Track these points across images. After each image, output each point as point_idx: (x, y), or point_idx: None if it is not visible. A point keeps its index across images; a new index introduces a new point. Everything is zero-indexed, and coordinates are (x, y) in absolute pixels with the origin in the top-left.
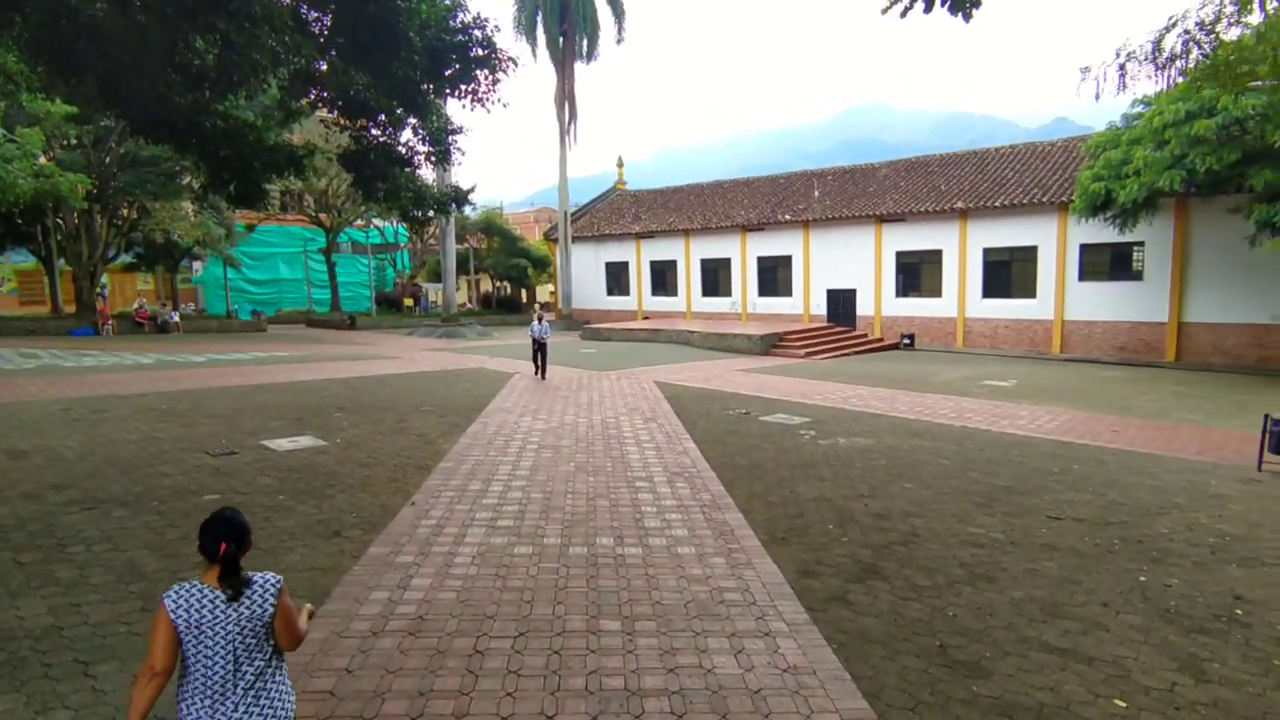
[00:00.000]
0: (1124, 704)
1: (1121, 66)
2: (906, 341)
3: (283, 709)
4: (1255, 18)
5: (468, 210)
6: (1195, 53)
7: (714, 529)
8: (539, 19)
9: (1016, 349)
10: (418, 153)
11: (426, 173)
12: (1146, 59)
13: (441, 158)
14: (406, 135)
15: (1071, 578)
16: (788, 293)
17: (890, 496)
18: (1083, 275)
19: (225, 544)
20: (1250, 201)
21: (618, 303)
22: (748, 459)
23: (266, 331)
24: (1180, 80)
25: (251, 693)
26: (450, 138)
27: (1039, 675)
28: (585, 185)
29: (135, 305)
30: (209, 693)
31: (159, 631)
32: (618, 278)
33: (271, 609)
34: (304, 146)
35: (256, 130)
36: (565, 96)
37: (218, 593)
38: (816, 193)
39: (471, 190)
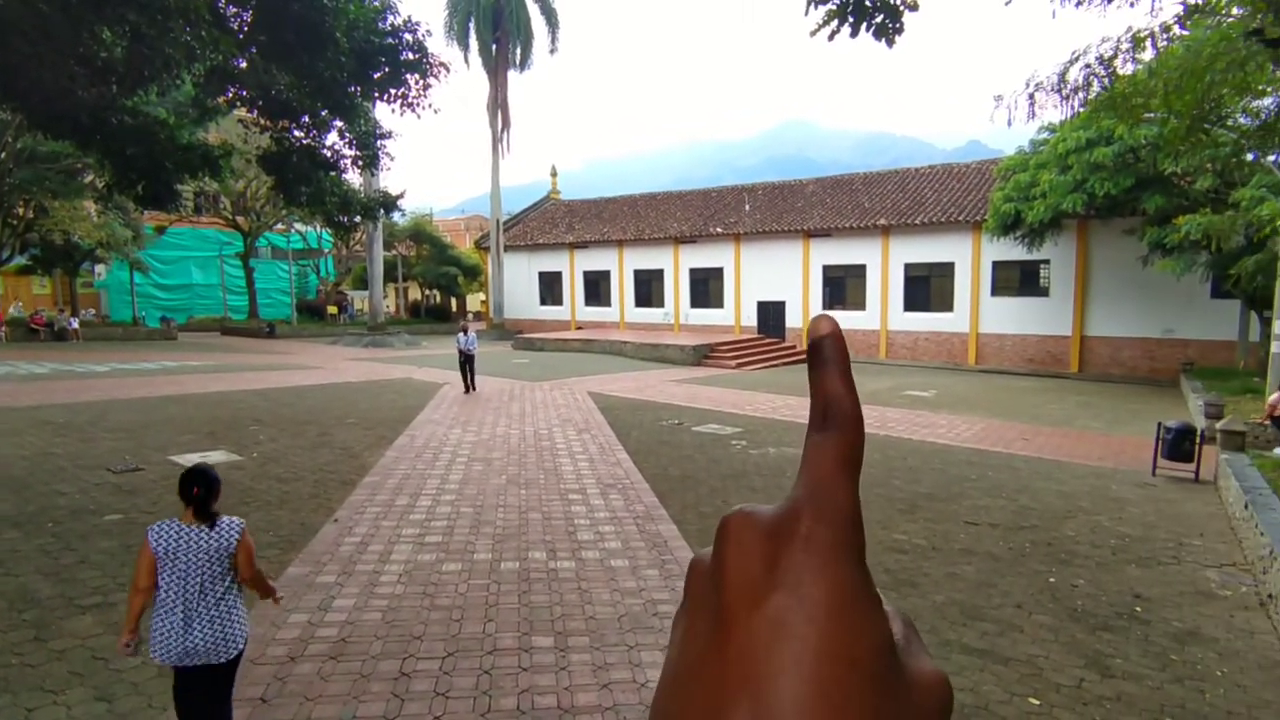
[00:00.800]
0: (1037, 701)
1: (1031, 95)
2: None
3: (239, 627)
4: (1148, 55)
5: (396, 216)
6: (1095, 85)
7: (648, 541)
8: (471, 25)
9: (935, 360)
10: (344, 156)
11: (353, 177)
12: (1053, 89)
13: (369, 162)
14: (332, 138)
15: (988, 581)
16: (719, 304)
17: None
18: (995, 291)
19: (197, 488)
20: (1143, 224)
21: (551, 312)
22: (681, 469)
23: (177, 340)
24: (1082, 110)
25: (215, 609)
26: (379, 142)
27: (960, 677)
28: (518, 194)
29: (17, 309)
30: (182, 606)
31: (142, 558)
32: (551, 287)
33: (235, 543)
34: (220, 146)
35: (168, 128)
36: (498, 104)
37: (190, 527)
38: (747, 207)
39: (401, 196)
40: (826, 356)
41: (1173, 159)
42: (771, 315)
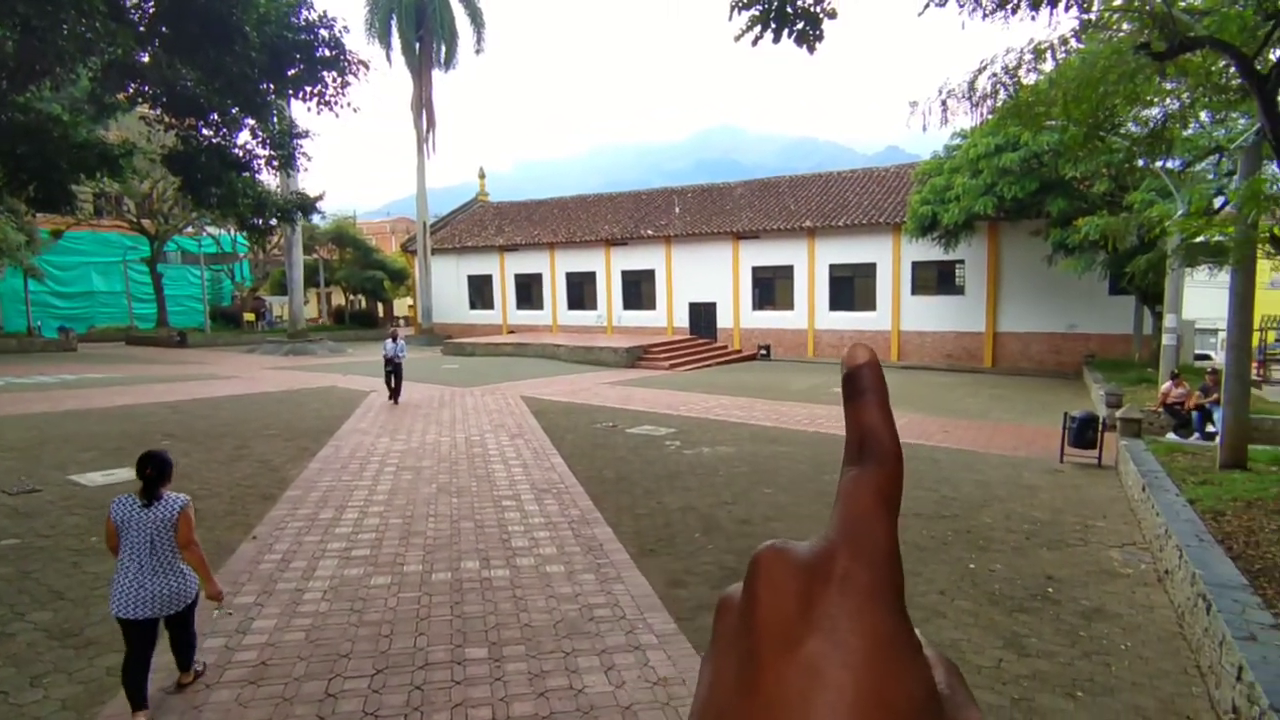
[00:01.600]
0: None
1: (944, 103)
2: (763, 352)
3: (184, 583)
4: (1049, 66)
5: (316, 219)
6: (1002, 93)
7: (583, 545)
8: (393, 23)
9: None
10: (257, 156)
11: (269, 178)
12: (963, 97)
13: (285, 162)
14: (244, 137)
15: (914, 570)
16: (652, 306)
17: (752, 502)
18: (915, 290)
19: (149, 469)
20: (1047, 226)
21: (481, 316)
22: (615, 472)
23: (77, 351)
24: (990, 117)
25: (163, 566)
26: (295, 141)
27: None
28: (446, 196)
29: None
30: (137, 563)
31: (108, 525)
32: (481, 291)
33: (175, 514)
34: (121, 145)
35: (63, 125)
36: (423, 104)
37: (138, 500)
38: (677, 209)
39: (319, 198)
40: (864, 386)
41: (1072, 164)
42: (703, 316)
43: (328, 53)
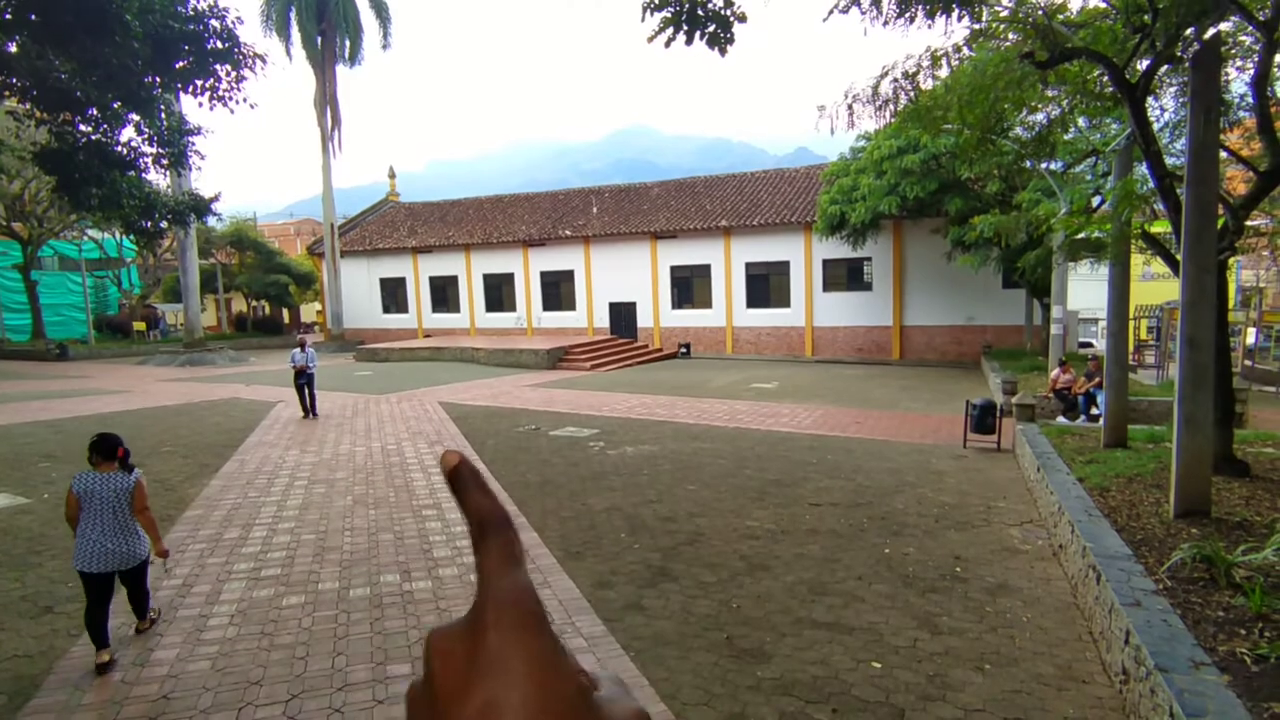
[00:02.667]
0: (879, 665)
1: (849, 106)
2: (684, 350)
3: (137, 543)
4: (944, 72)
5: (213, 221)
6: (903, 98)
7: None
8: (292, 15)
9: (777, 353)
10: (143, 154)
11: (158, 177)
12: (868, 101)
13: (175, 161)
14: (128, 134)
15: (832, 557)
16: (572, 307)
17: (676, 500)
18: (826, 287)
19: (93, 455)
20: (946, 224)
21: (395, 321)
22: (539, 475)
23: None
24: (893, 120)
25: (120, 529)
26: (186, 139)
27: (811, 651)
28: (354, 196)
29: None
30: (100, 527)
31: (69, 497)
32: (394, 294)
33: (130, 487)
34: None
35: None
36: (326, 100)
37: (99, 474)
38: (595, 209)
39: (215, 198)
40: (465, 482)
41: (968, 165)
42: (623, 316)
43: (220, 45)
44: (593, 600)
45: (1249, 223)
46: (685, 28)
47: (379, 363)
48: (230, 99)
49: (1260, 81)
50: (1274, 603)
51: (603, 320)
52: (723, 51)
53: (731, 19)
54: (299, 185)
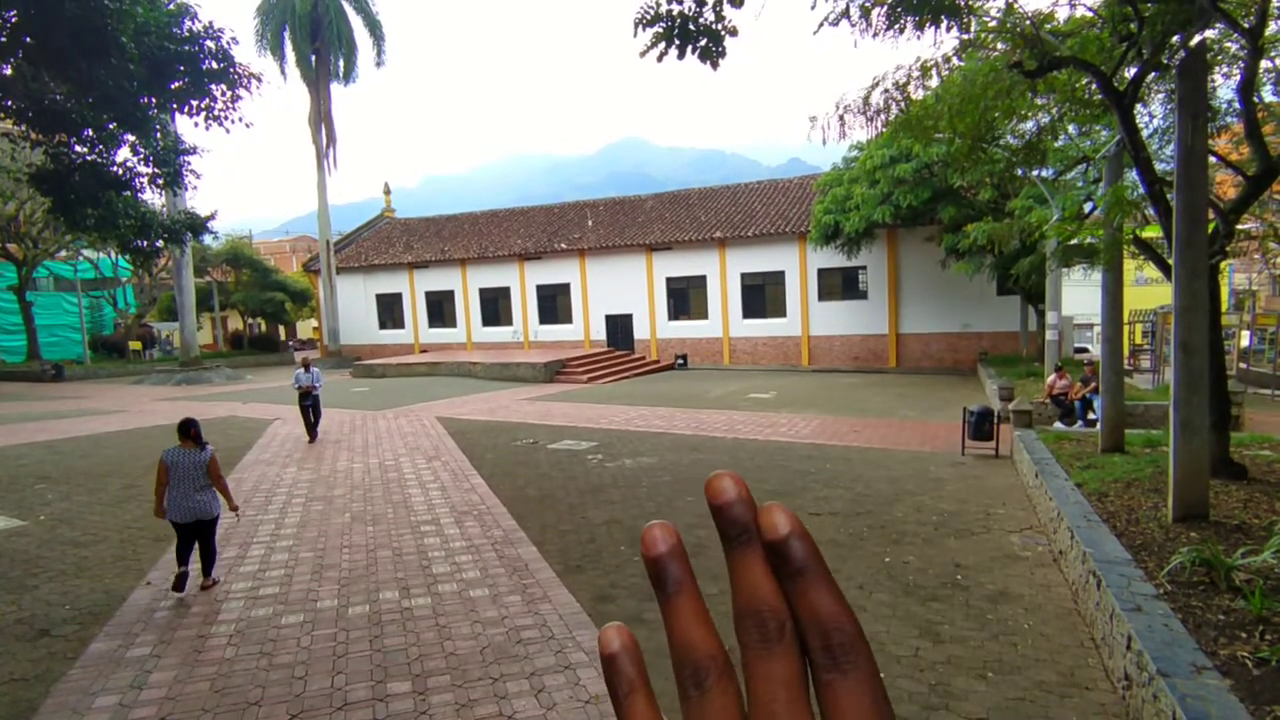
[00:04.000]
0: (882, 675)
1: (841, 116)
2: (680, 362)
3: (211, 502)
4: (934, 82)
5: (209, 239)
6: (894, 108)
7: (507, 566)
8: (286, 35)
9: (773, 363)
10: (139, 174)
11: (153, 197)
12: (859, 111)
13: (171, 180)
14: (124, 154)
15: (833, 567)
16: (568, 319)
17: (676, 511)
18: (821, 296)
19: (192, 429)
20: (940, 232)
21: (392, 336)
22: (538, 489)
23: None
24: (884, 130)
25: (199, 493)
26: (181, 158)
27: None
28: (350, 212)
29: None
30: (182, 489)
31: (159, 466)
32: (390, 310)
33: (206, 460)
34: None
35: None
36: (321, 118)
37: (184, 450)
38: (590, 222)
39: (211, 217)
40: (802, 564)
41: (960, 174)
42: (620, 328)
43: (215, 65)
44: (593, 614)
45: (1240, 226)
46: (677, 42)
47: (376, 378)
48: (226, 118)
49: (1246, 87)
50: (1274, 605)
51: (599, 333)
52: (714, 65)
53: (722, 33)
54: (295, 202)
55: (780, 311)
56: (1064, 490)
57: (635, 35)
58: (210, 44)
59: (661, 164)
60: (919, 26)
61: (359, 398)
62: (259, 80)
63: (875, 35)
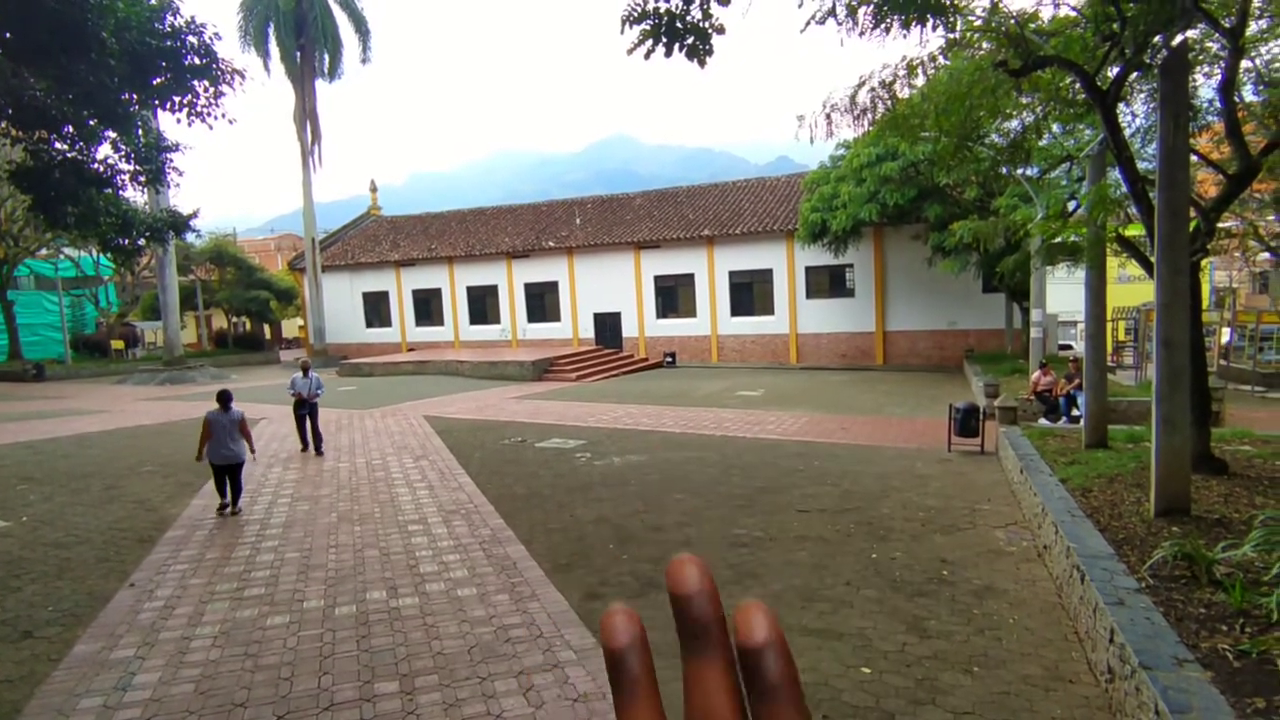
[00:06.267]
0: (869, 670)
1: (828, 115)
2: (669, 359)
3: (241, 449)
4: (920, 81)
5: (192, 237)
6: (880, 107)
7: (495, 565)
8: (270, 31)
9: (762, 361)
10: (120, 171)
11: (135, 194)
12: (845, 110)
13: (153, 178)
14: (105, 151)
15: (821, 563)
16: (556, 318)
17: (664, 509)
18: (809, 294)
19: (220, 400)
20: (926, 230)
21: (379, 335)
22: (526, 488)
23: None
24: (871, 129)
25: (233, 442)
26: (163, 155)
27: (802, 658)
28: (336, 210)
29: None
30: (220, 440)
31: (204, 423)
32: (377, 308)
33: (240, 418)
34: None
35: None
36: (306, 115)
37: (220, 412)
38: (578, 220)
39: (194, 215)
40: (775, 682)
41: (945, 172)
42: (608, 326)
43: (197, 61)
44: (582, 613)
45: (1221, 225)
46: (664, 40)
47: (363, 377)
48: (209, 115)
49: (1227, 87)
50: (1254, 598)
51: (588, 331)
52: (701, 63)
53: (710, 31)
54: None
55: (768, 309)
56: (1048, 486)
57: (622, 32)
58: (192, 39)
59: (649, 162)
60: (905, 25)
61: (345, 397)
62: (242, 76)
63: (862, 34)
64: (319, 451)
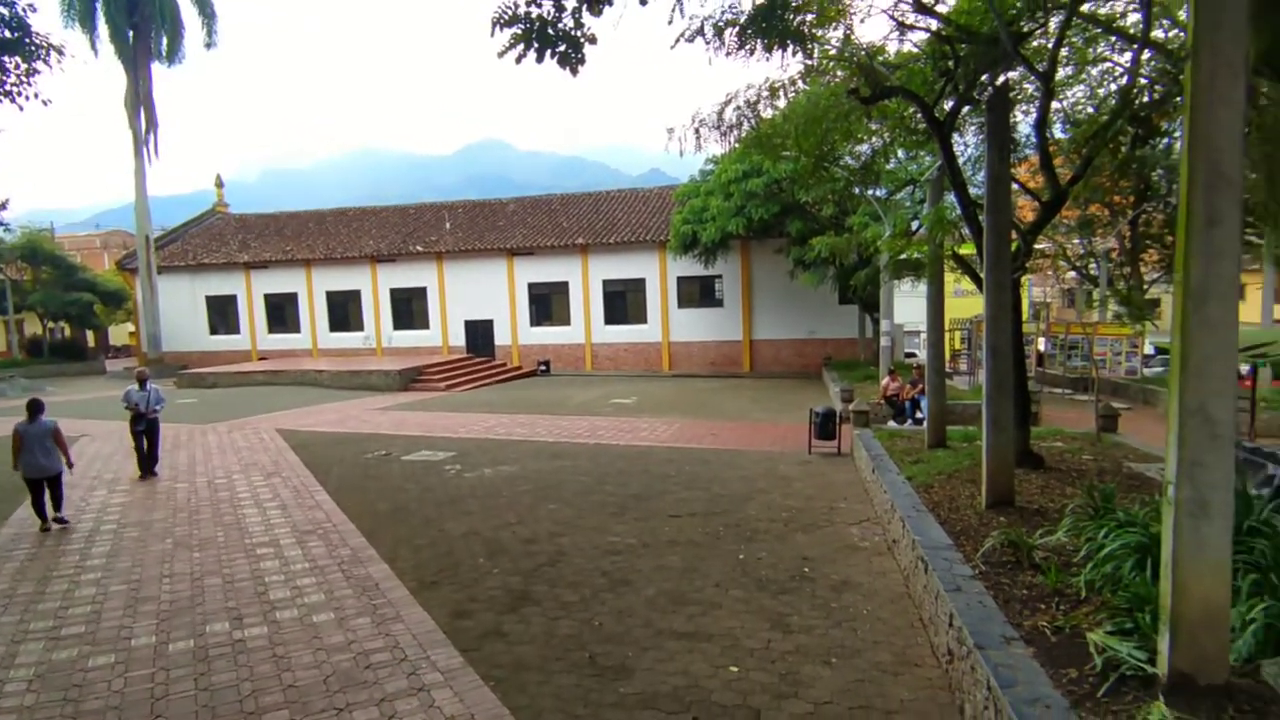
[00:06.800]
0: (736, 669)
1: (696, 130)
2: (543, 368)
3: (56, 461)
4: (782, 102)
5: (0, 231)
6: (745, 125)
7: (355, 586)
8: (98, 6)
9: (635, 369)
10: None
11: None
12: (714, 126)
13: None
14: None
15: (692, 566)
16: (425, 325)
17: (537, 520)
18: (681, 303)
19: (29, 410)
20: (788, 244)
21: (225, 342)
22: (390, 503)
23: None
24: (737, 145)
25: (45, 453)
26: None
27: (673, 662)
28: (175, 205)
29: None
30: (33, 452)
31: (14, 435)
32: (223, 313)
33: (50, 428)
34: None
35: None
36: (140, 100)
37: (31, 423)
38: (448, 225)
39: (2, 206)
40: None
41: (805, 190)
42: (480, 334)
43: (8, 34)
44: (450, 631)
45: (1036, 246)
46: (535, 45)
47: (206, 389)
48: (19, 94)
49: (1041, 124)
50: (1066, 579)
51: (459, 339)
52: (574, 71)
53: (582, 40)
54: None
55: (641, 318)
56: (896, 484)
57: (493, 35)
58: (3, 10)
59: (522, 168)
60: (767, 49)
61: (184, 410)
62: (60, 53)
63: (728, 54)
64: (152, 471)
